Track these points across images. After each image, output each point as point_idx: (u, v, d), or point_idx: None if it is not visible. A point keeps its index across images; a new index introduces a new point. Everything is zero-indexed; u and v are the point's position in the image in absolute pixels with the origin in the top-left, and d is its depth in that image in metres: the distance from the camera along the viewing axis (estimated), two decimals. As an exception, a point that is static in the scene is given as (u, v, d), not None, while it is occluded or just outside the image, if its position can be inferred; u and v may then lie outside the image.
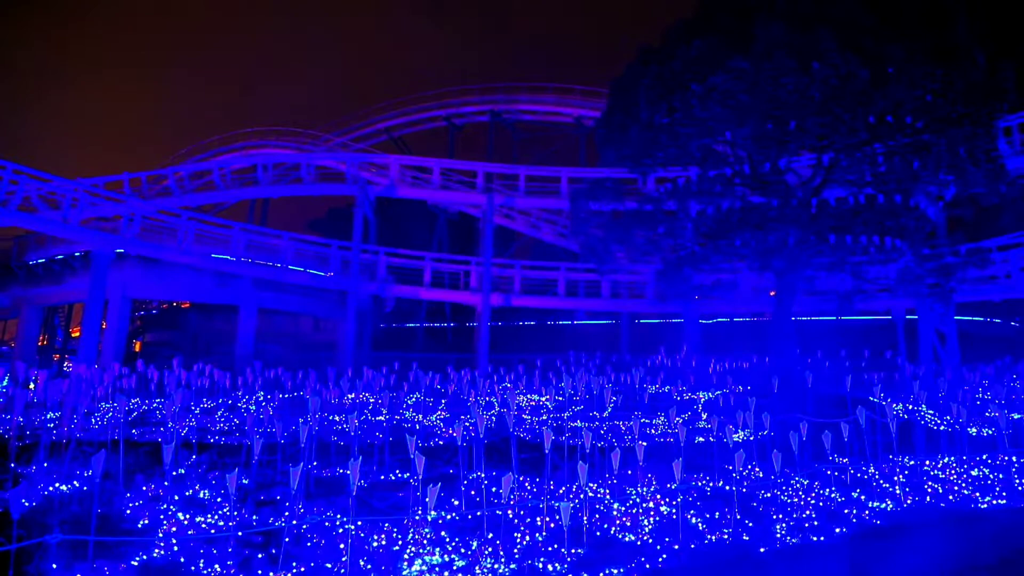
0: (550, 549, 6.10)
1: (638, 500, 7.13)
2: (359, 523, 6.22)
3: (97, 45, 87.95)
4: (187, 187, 31.54)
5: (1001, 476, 8.82)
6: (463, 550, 6.02)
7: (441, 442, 10.66)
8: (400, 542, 6.09)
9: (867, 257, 16.09)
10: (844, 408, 10.84)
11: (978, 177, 15.26)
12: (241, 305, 26.80)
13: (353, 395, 14.47)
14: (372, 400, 14.01)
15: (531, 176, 28.09)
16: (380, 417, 11.71)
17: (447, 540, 6.14)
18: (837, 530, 6.93)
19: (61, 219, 21.39)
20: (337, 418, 11.86)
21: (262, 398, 14.74)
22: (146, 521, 6.71)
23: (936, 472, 8.90)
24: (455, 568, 5.77)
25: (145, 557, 5.82)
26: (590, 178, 22.41)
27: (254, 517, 6.87)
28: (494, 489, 7.47)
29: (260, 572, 5.68)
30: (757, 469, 8.48)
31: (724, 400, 13.79)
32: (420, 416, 12.35)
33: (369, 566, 5.72)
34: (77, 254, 26.14)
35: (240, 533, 6.12)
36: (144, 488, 7.64)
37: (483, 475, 7.81)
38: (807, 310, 22.81)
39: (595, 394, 13.77)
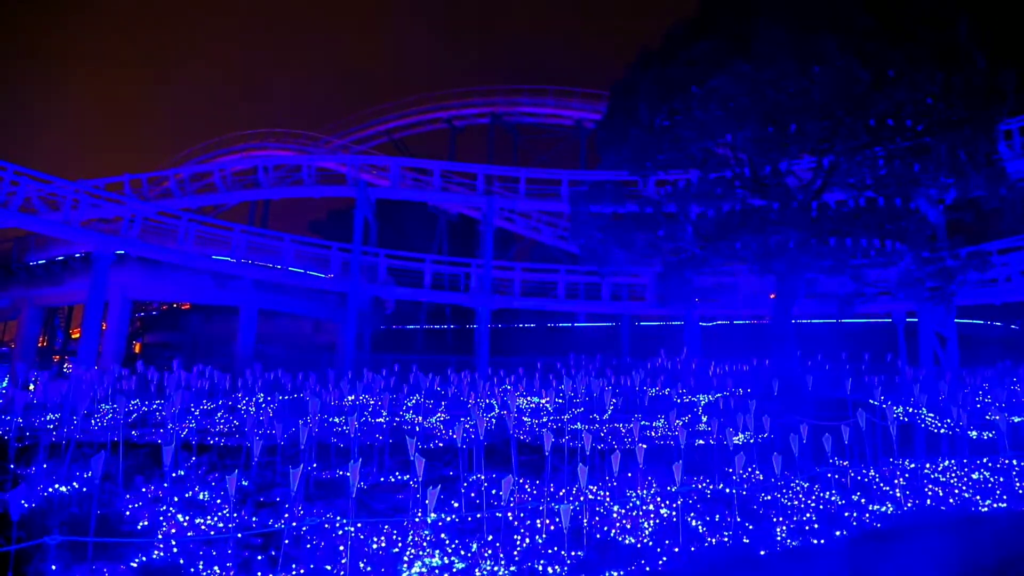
0: (550, 551, 6.10)
1: (638, 502, 7.13)
2: (359, 525, 6.21)
3: (97, 47, 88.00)
4: (188, 189, 31.57)
5: (1001, 479, 8.81)
6: (463, 552, 6.01)
7: (441, 444, 10.65)
8: (400, 544, 6.08)
9: (867, 260, 16.09)
10: (844, 411, 10.83)
11: (978, 180, 15.26)
12: (241, 307, 26.79)
13: (353, 397, 14.46)
14: (372, 402, 14.00)
15: (532, 178, 28.11)
16: (380, 419, 11.70)
17: (447, 542, 6.14)
18: (837, 533, 6.93)
19: (62, 220, 21.42)
20: (337, 420, 11.85)
21: (262, 400, 14.73)
22: (145, 522, 6.70)
23: (936, 475, 8.89)
24: (455, 570, 5.77)
25: (144, 559, 5.81)
26: (591, 181, 22.39)
27: (254, 519, 6.87)
28: (494, 491, 7.46)
29: (260, 574, 5.68)
30: (757, 472, 8.47)
31: (724, 403, 13.78)
32: (420, 418, 12.34)
33: (369, 568, 5.71)
34: (77, 255, 26.16)
35: (239, 535, 6.11)
36: (144, 489, 7.63)
37: (483, 477, 7.80)
38: (807, 313, 22.82)
39: (595, 396, 13.76)
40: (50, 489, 7.40)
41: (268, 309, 28.38)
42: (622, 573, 5.80)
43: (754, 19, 14.71)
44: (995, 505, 8.15)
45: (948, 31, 14.67)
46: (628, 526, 6.73)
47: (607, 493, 7.41)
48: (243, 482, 7.68)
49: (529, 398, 14.85)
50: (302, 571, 5.67)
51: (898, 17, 14.66)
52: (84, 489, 7.40)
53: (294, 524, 6.27)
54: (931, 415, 12.68)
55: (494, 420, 12.15)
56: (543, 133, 41.73)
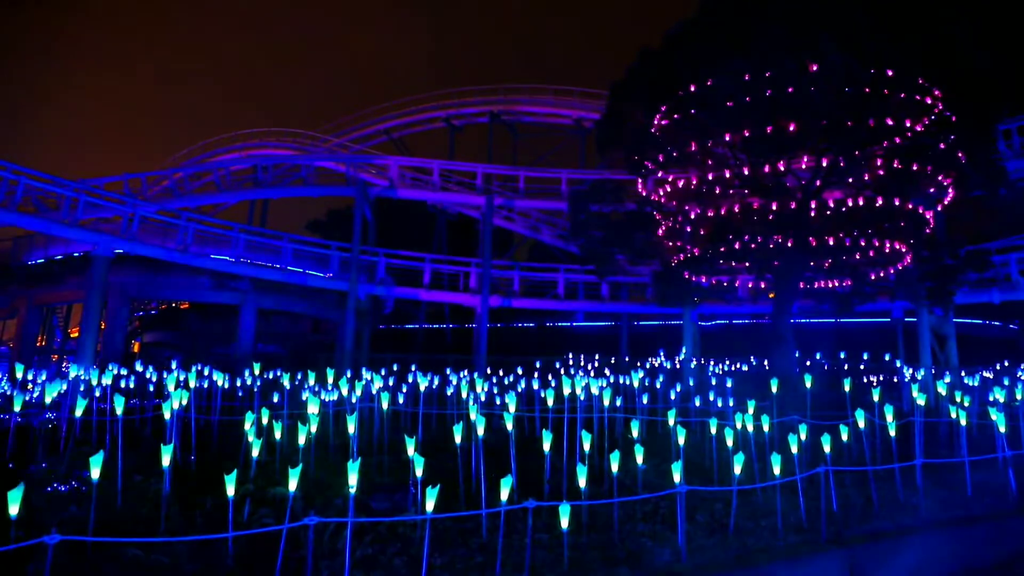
0: (549, 551, 6.10)
1: (638, 502, 7.13)
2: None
3: (97, 48, 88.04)
4: (187, 188, 31.56)
5: (1000, 479, 8.83)
6: (461, 552, 6.02)
7: (440, 444, 10.64)
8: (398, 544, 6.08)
9: (866, 260, 16.10)
10: (843, 410, 10.84)
11: (977, 180, 15.29)
12: (240, 306, 26.80)
13: (352, 396, 14.43)
14: (371, 401, 13.98)
15: (530, 177, 28.14)
16: (378, 418, 11.68)
17: (445, 542, 6.14)
18: (836, 532, 6.93)
19: (61, 219, 21.40)
20: (335, 419, 11.84)
21: (261, 399, 14.71)
22: (144, 522, 6.69)
23: (935, 474, 8.90)
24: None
25: (143, 558, 5.80)
26: (590, 180, 22.41)
27: (252, 518, 6.86)
28: (493, 491, 7.45)
29: (258, 573, 5.67)
30: (756, 471, 8.48)
31: (723, 402, 13.78)
32: (419, 417, 12.32)
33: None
34: (76, 254, 26.16)
35: (238, 534, 6.11)
36: (142, 489, 7.63)
37: (481, 477, 7.81)
38: (806, 312, 22.83)
39: (594, 396, 13.75)
40: (49, 488, 7.39)
41: (267, 308, 28.39)
42: (622, 572, 5.81)
43: (753, 19, 14.72)
44: (994, 505, 8.17)
45: (948, 31, 14.69)
46: (628, 525, 6.74)
47: (607, 493, 7.41)
48: (242, 482, 7.67)
49: (528, 397, 14.84)
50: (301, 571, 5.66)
51: (897, 17, 14.68)
52: (83, 488, 7.40)
53: (293, 524, 6.26)
54: (930, 415, 12.69)
55: (493, 419, 12.14)
56: (542, 132, 41.78)
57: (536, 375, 17.02)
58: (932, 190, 16.37)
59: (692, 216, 17.03)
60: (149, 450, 9.36)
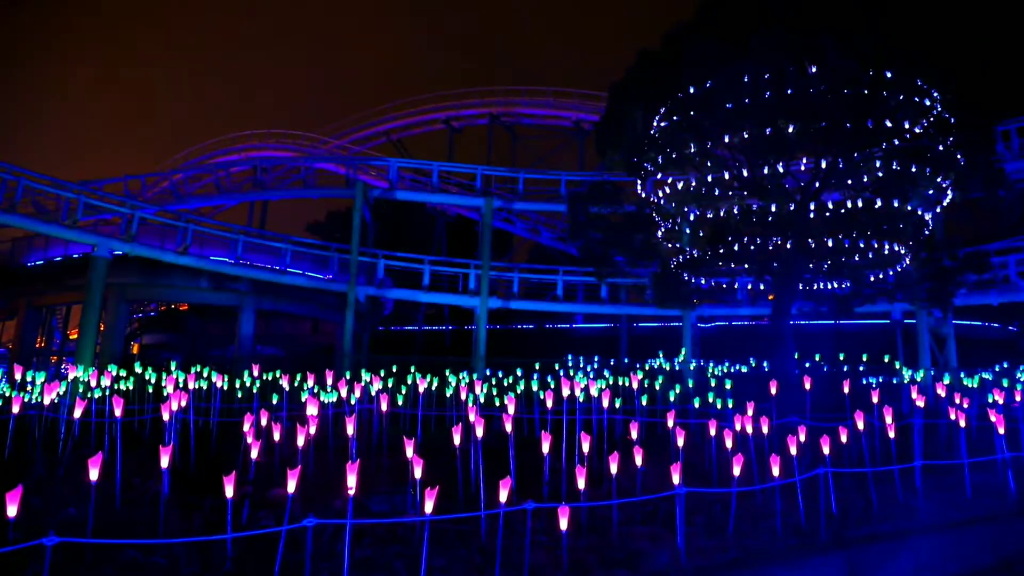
0: (548, 553, 6.10)
1: (637, 504, 7.13)
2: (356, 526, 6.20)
3: (96, 49, 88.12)
4: (186, 190, 31.57)
5: (1000, 480, 8.83)
6: (460, 554, 6.01)
7: (439, 445, 10.63)
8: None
9: (865, 261, 16.10)
10: (842, 412, 10.84)
11: (976, 182, 15.30)
12: (239, 307, 26.77)
13: (351, 398, 14.42)
14: (370, 403, 13.96)
15: (530, 179, 28.12)
16: (378, 420, 11.68)
17: (444, 544, 6.13)
18: (835, 534, 6.93)
19: (60, 221, 21.39)
20: (334, 421, 11.84)
21: (259, 401, 14.69)
22: (142, 524, 6.68)
23: (934, 476, 8.90)
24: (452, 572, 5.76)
25: (141, 560, 5.79)
26: (589, 181, 22.40)
27: (251, 520, 6.86)
28: (492, 493, 7.44)
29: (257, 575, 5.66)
30: (755, 473, 8.48)
31: (722, 404, 13.77)
32: (418, 419, 12.32)
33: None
34: (75, 256, 26.16)
35: (236, 536, 6.10)
36: (141, 490, 7.62)
37: (480, 478, 7.80)
38: (805, 314, 22.86)
39: (594, 398, 13.74)
40: (47, 490, 7.38)
41: (266, 310, 28.37)
42: (621, 574, 5.80)
43: (752, 20, 14.74)
44: (993, 506, 8.16)
45: (946, 32, 14.71)
46: (627, 527, 6.73)
47: (606, 494, 7.41)
48: (240, 483, 7.66)
49: (527, 399, 14.84)
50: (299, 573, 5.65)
51: (896, 18, 14.70)
52: (81, 490, 7.38)
53: (291, 525, 6.25)
54: (929, 416, 12.68)
55: (492, 421, 12.14)
56: (541, 134, 41.82)
57: (535, 377, 17.01)
58: (931, 192, 16.39)
59: (691, 218, 17.04)
60: (148, 452, 9.34)
